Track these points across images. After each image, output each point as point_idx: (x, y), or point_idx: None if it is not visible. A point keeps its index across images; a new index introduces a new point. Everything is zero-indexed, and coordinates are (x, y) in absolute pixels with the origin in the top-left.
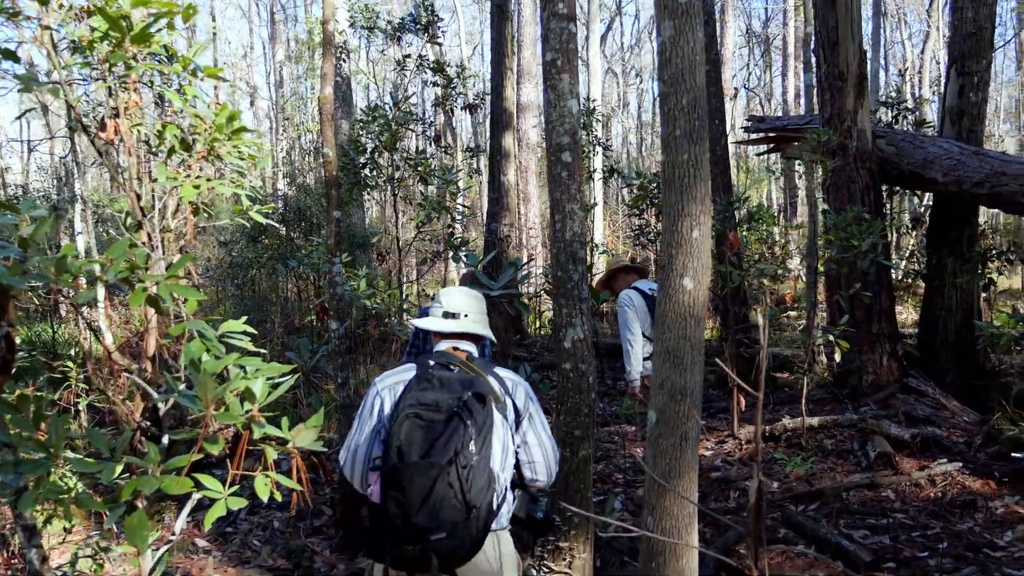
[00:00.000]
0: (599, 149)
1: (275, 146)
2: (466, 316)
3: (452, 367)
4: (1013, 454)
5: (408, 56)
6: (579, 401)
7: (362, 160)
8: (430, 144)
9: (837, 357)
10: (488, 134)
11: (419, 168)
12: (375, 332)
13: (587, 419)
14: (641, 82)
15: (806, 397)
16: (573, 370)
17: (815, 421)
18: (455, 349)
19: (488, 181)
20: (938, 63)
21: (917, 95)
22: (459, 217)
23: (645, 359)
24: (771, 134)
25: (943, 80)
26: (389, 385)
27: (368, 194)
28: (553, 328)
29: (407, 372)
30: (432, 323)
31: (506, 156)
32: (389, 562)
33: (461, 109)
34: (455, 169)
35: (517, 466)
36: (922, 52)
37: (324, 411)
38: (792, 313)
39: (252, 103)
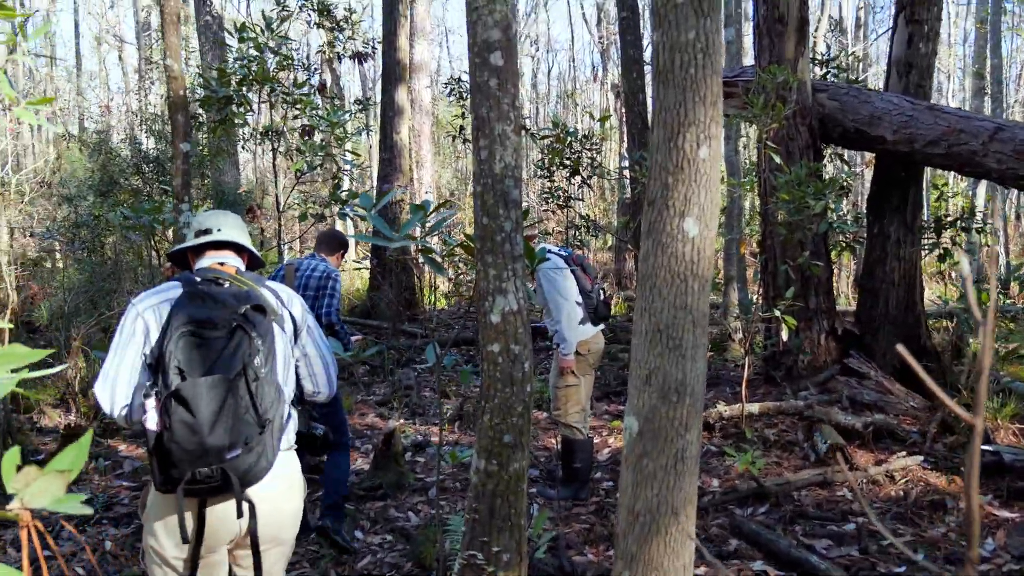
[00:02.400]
0: None
1: (143, 98)
2: (219, 230)
3: (221, 281)
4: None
5: None
6: (511, 396)
7: (227, 92)
8: (313, 94)
9: (784, 335)
10: (379, 88)
11: (298, 105)
12: None
13: (521, 420)
14: (537, 51)
15: (746, 381)
16: (503, 353)
17: (755, 408)
18: (221, 264)
19: (380, 140)
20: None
21: (850, 51)
22: (347, 167)
23: (579, 323)
24: None
25: (891, 31)
26: (152, 305)
27: (243, 146)
28: (472, 295)
29: (171, 290)
30: (186, 244)
31: (399, 112)
32: (181, 490)
33: (349, 58)
34: (342, 115)
35: (298, 379)
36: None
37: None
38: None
39: (120, 57)
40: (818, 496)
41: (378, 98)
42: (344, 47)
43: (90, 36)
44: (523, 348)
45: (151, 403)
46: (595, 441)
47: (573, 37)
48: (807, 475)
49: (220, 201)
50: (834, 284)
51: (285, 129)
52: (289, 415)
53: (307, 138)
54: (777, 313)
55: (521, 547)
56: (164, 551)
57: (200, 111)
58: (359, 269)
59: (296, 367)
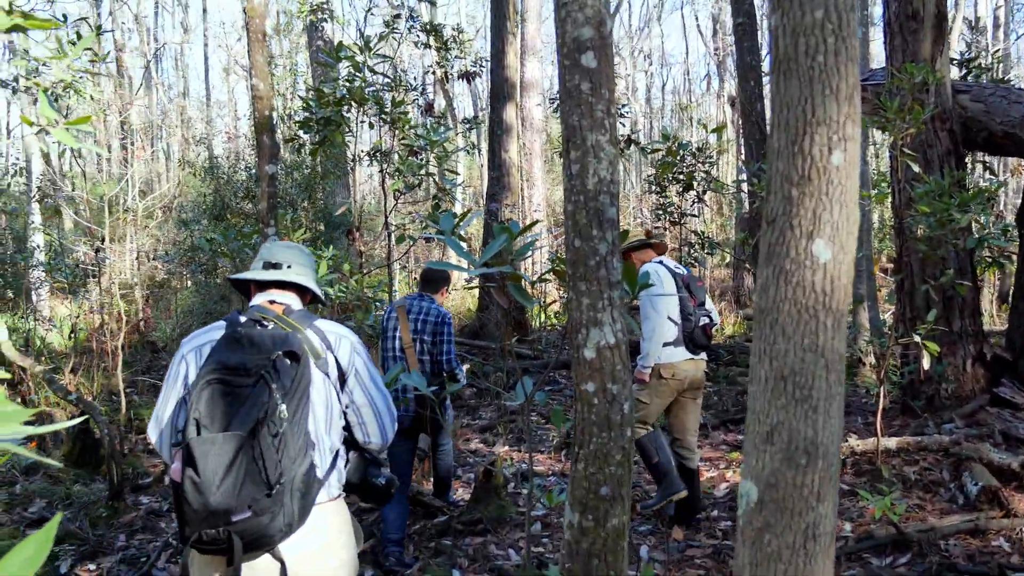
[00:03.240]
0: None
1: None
2: (289, 267)
3: (265, 323)
4: None
5: (398, 16)
6: (608, 442)
7: (325, 113)
8: (421, 114)
9: (926, 362)
10: (488, 106)
11: (396, 124)
12: None
13: (621, 470)
14: (650, 65)
15: (882, 412)
16: (599, 393)
17: (892, 443)
18: (271, 303)
19: (488, 159)
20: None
21: (992, 50)
22: (448, 186)
23: (665, 344)
24: None
25: None
26: (196, 347)
27: (351, 168)
28: (567, 328)
29: (216, 331)
30: (249, 273)
31: (507, 131)
32: (194, 546)
33: (458, 78)
34: (443, 133)
35: (349, 428)
36: None
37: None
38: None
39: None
40: (969, 546)
41: (487, 116)
42: (453, 67)
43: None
44: (622, 388)
45: (176, 452)
46: (712, 475)
47: (688, 50)
48: (955, 521)
49: (327, 223)
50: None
51: (394, 149)
52: (332, 466)
53: (411, 158)
54: (917, 338)
55: None
56: None
57: (301, 133)
58: (469, 288)
59: (345, 415)
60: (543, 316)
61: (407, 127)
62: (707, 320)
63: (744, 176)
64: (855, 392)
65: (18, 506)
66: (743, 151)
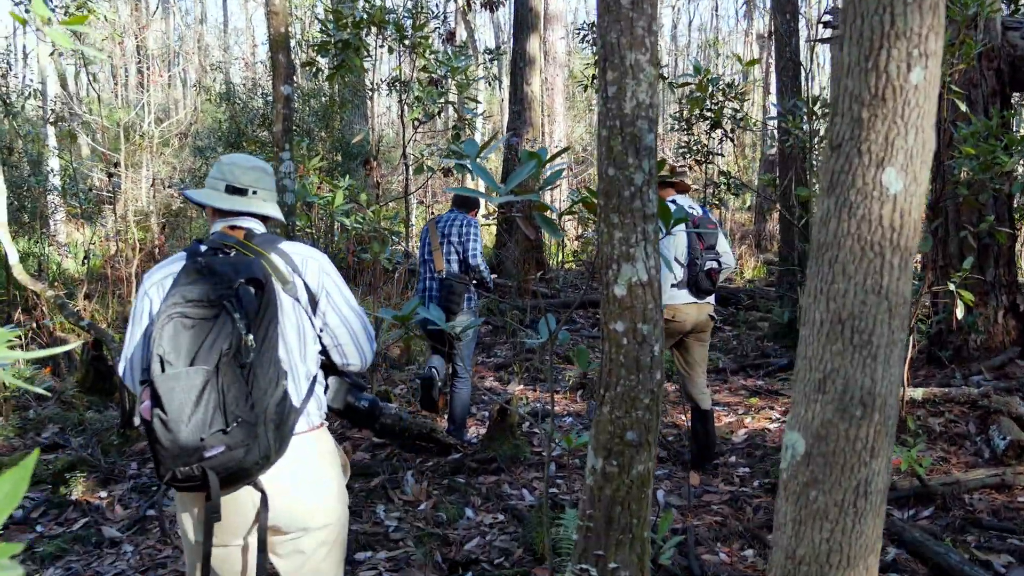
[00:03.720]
0: None
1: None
2: (255, 193)
3: (227, 249)
4: None
5: None
6: (636, 385)
7: (343, 36)
8: (442, 43)
9: (959, 313)
10: (511, 37)
11: (417, 50)
12: (351, 258)
13: (649, 414)
14: (677, 0)
15: (909, 361)
16: (629, 333)
17: (918, 393)
18: (232, 228)
19: (510, 92)
20: None
21: None
22: (468, 115)
23: (672, 285)
24: None
25: None
26: (157, 281)
27: (370, 97)
28: (586, 266)
29: (176, 263)
30: (210, 197)
31: (531, 63)
32: (170, 484)
33: (481, 6)
34: (465, 61)
35: (326, 352)
36: None
37: None
38: None
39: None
40: (995, 501)
41: (510, 46)
42: None
43: None
44: (653, 328)
45: (146, 393)
46: (731, 420)
47: None
48: (981, 475)
49: (345, 152)
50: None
51: (414, 78)
52: (310, 393)
53: (431, 86)
54: (952, 286)
55: (643, 563)
56: (188, 536)
57: (318, 58)
58: (487, 225)
59: (320, 338)
60: (561, 255)
61: (428, 52)
62: (714, 264)
63: (773, 115)
64: None
65: (31, 431)
66: (774, 88)
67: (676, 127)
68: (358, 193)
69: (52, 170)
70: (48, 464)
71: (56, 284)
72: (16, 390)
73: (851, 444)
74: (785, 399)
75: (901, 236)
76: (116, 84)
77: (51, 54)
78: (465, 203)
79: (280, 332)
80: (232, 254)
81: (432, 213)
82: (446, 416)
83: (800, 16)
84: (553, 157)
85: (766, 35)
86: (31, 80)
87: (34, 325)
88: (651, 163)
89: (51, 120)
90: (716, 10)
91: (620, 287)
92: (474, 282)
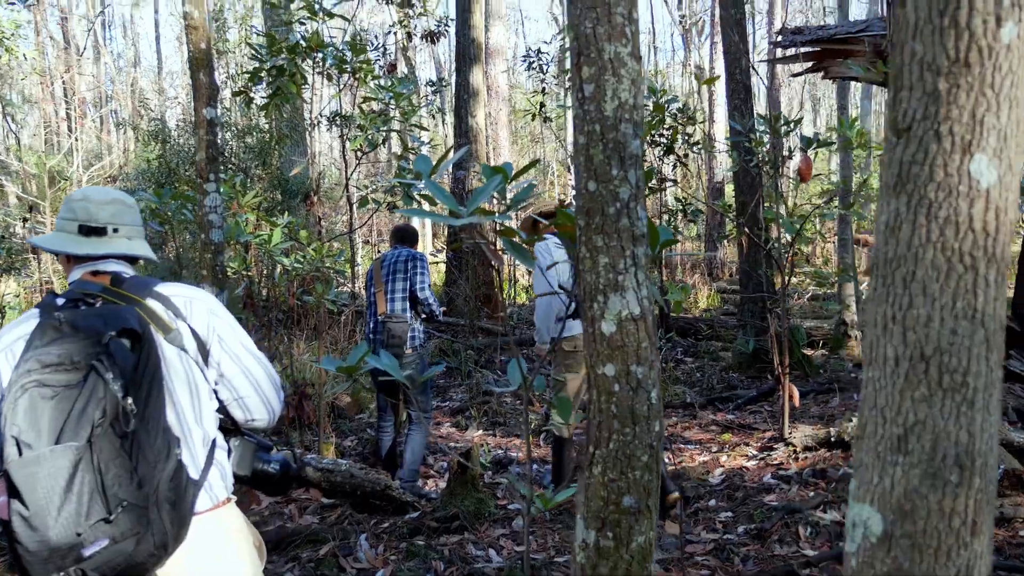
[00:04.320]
0: None
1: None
2: (115, 230)
3: (91, 299)
4: None
5: None
6: (632, 440)
7: (277, 62)
8: (382, 75)
9: None
10: (453, 71)
11: (358, 75)
12: (292, 301)
13: (648, 475)
14: None
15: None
16: (621, 378)
17: None
18: (94, 274)
19: (454, 125)
20: None
21: None
22: (416, 144)
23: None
24: (811, 48)
25: None
26: (5, 346)
27: (309, 133)
28: (580, 293)
29: (28, 322)
30: (60, 242)
31: (474, 95)
32: None
33: (421, 38)
34: (409, 86)
35: (224, 409)
36: None
37: None
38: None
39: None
40: (994, 536)
41: (452, 78)
42: (416, 27)
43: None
44: (649, 370)
45: (3, 485)
46: (705, 459)
47: (653, 20)
48: None
49: (284, 190)
50: None
51: (355, 109)
52: (210, 461)
53: (375, 115)
54: None
55: None
56: None
57: (251, 86)
58: (435, 263)
59: (216, 392)
60: (512, 292)
61: (370, 77)
62: None
63: (728, 135)
64: (841, 367)
65: None
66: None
67: None
68: (298, 231)
69: None
70: None
71: None
72: None
73: (946, 520)
74: (759, 433)
75: (996, 243)
76: (47, 130)
77: None
78: (406, 237)
79: (167, 391)
80: (97, 304)
81: (378, 252)
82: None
83: (748, 35)
84: (522, 171)
85: (702, 67)
86: None
87: None
88: (638, 173)
89: None
90: (653, 42)
91: (608, 323)
92: (423, 316)
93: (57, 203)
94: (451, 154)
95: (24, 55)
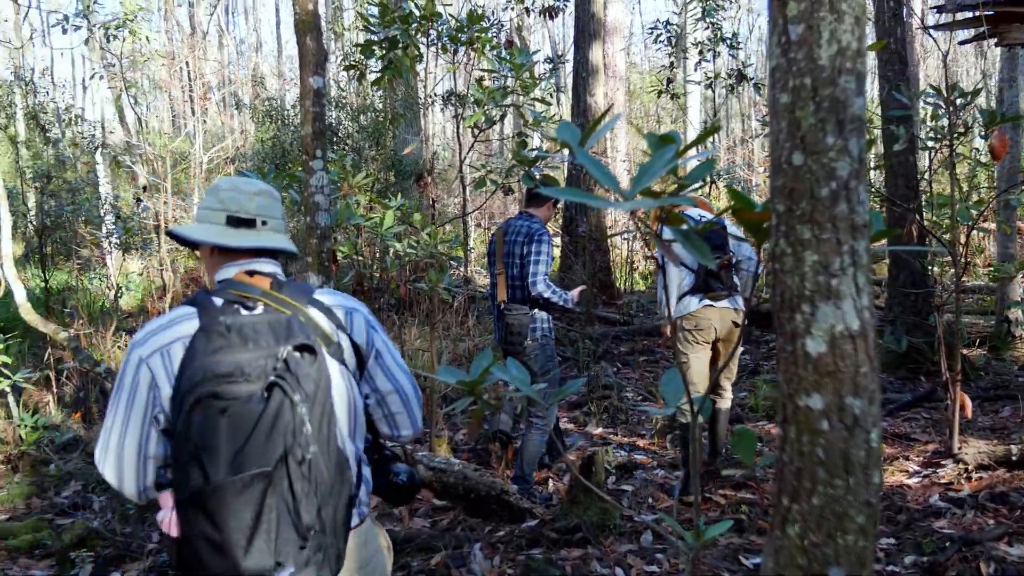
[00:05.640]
0: (720, 46)
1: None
2: (264, 223)
3: (251, 304)
4: None
5: None
6: (843, 494)
7: (390, 33)
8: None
9: None
10: (573, 47)
11: (474, 45)
12: (404, 289)
13: (862, 540)
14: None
15: None
16: (831, 413)
17: None
18: (251, 274)
19: (572, 104)
20: None
21: None
22: (540, 119)
23: (684, 295)
24: (984, 12)
25: None
26: (159, 348)
27: (424, 111)
28: (777, 301)
29: (185, 323)
30: (209, 232)
31: (594, 72)
32: None
33: (539, 13)
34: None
35: (370, 423)
36: None
37: None
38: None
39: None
40: None
41: (571, 55)
42: (532, 2)
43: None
44: (869, 404)
45: (167, 499)
46: None
47: None
48: None
49: (398, 171)
50: None
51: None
52: (360, 478)
53: (492, 88)
54: None
55: None
56: None
57: (363, 60)
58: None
59: (367, 406)
60: (631, 279)
61: (487, 47)
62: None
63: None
64: (1006, 370)
65: (51, 488)
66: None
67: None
68: (411, 214)
69: (102, 199)
70: (63, 530)
71: (81, 322)
72: (36, 441)
73: None
74: (920, 445)
75: None
76: (174, 115)
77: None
78: (535, 198)
79: (334, 411)
80: (258, 310)
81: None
82: (514, 466)
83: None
84: (696, 142)
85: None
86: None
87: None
88: (861, 144)
89: (98, 146)
90: None
91: (816, 341)
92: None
93: (179, 185)
94: (607, 117)
95: (147, 37)
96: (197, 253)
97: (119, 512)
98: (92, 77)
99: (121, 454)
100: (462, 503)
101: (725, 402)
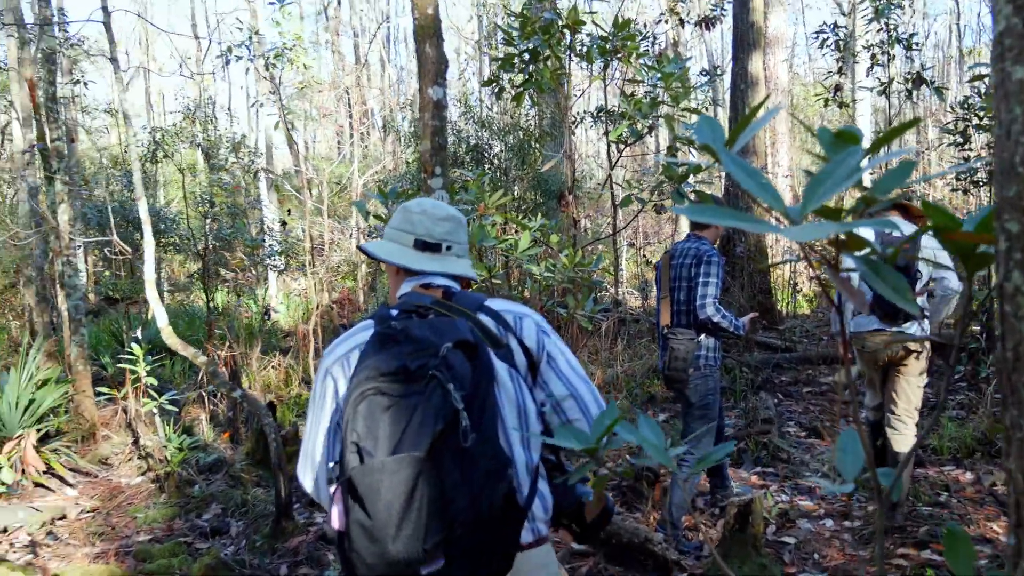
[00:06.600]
0: (895, 48)
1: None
2: (448, 248)
3: (423, 311)
4: None
5: None
6: None
7: (530, 45)
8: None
9: None
10: (731, 59)
11: (620, 54)
12: (542, 312)
13: None
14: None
15: None
16: None
17: None
18: (426, 287)
19: (729, 116)
20: None
21: None
22: (690, 133)
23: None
24: None
25: None
26: (340, 356)
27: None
28: (1003, 358)
29: (363, 332)
30: (397, 254)
31: (753, 84)
32: None
33: (695, 24)
34: (682, 69)
35: (548, 433)
36: None
37: None
38: None
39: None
40: None
41: (728, 66)
42: (688, 12)
43: (450, 48)
44: None
45: (334, 492)
46: None
47: None
48: None
49: (544, 190)
50: None
51: (619, 94)
52: (533, 492)
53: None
54: None
55: None
56: None
57: (501, 73)
58: None
59: (543, 414)
60: (794, 301)
61: (635, 55)
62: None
63: None
64: None
65: (193, 511)
66: None
67: (948, 142)
68: (549, 235)
69: (263, 222)
70: (198, 555)
71: (233, 344)
72: (182, 462)
73: None
74: None
75: None
76: (339, 141)
77: (282, 112)
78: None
79: (498, 409)
80: (430, 316)
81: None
82: (663, 511)
83: None
84: (885, 139)
85: None
86: (243, 136)
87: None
88: None
89: (258, 171)
90: (958, 21)
91: None
92: (710, 335)
93: (338, 208)
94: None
95: (304, 65)
96: (383, 267)
97: (250, 542)
98: (252, 105)
99: (314, 463)
100: (602, 548)
101: (901, 443)
